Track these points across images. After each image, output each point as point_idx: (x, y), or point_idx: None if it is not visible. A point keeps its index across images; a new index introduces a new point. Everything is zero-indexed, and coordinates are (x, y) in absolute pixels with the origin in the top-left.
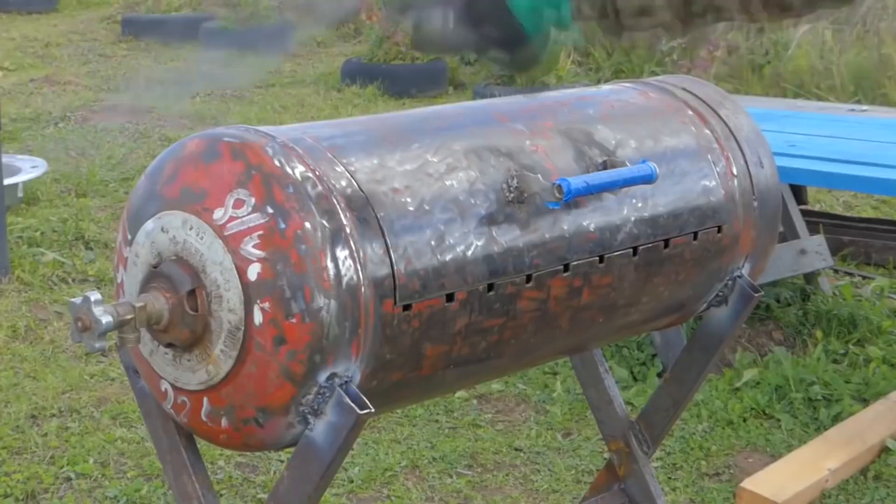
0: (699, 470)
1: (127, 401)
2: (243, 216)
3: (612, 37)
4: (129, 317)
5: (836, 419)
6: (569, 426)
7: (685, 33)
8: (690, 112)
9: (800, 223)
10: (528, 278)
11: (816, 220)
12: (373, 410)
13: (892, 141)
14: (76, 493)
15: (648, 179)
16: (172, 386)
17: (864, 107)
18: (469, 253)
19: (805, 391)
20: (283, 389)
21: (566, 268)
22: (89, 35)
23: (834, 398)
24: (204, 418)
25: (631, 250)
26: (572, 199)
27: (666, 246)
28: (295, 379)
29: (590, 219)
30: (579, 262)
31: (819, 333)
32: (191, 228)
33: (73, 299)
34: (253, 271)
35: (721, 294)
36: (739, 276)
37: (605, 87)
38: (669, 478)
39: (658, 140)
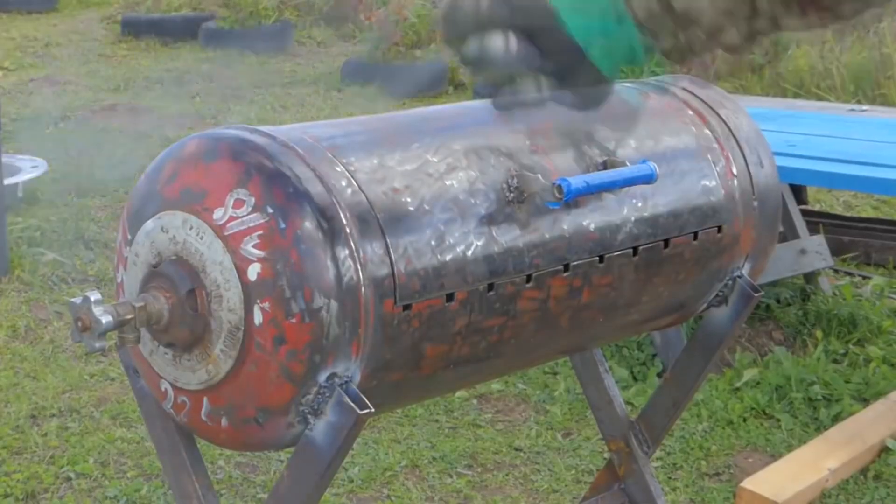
0: (699, 470)
1: (127, 400)
2: (243, 216)
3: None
4: (129, 317)
5: (836, 419)
6: (569, 426)
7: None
8: (690, 112)
9: (800, 223)
10: (528, 278)
11: (816, 220)
12: (373, 410)
13: (892, 141)
14: (76, 492)
15: (648, 179)
16: (172, 386)
17: (864, 107)
18: (469, 253)
19: (805, 391)
20: (283, 389)
21: (566, 268)
22: (89, 35)
23: (834, 398)
24: (204, 418)
25: (631, 250)
26: (572, 199)
27: (666, 246)
28: (295, 379)
29: (590, 219)
30: (579, 261)
31: (819, 333)
32: (191, 228)
33: (73, 299)
34: (253, 271)
35: (721, 294)
36: (739, 276)
37: None
38: (669, 478)
39: (658, 140)
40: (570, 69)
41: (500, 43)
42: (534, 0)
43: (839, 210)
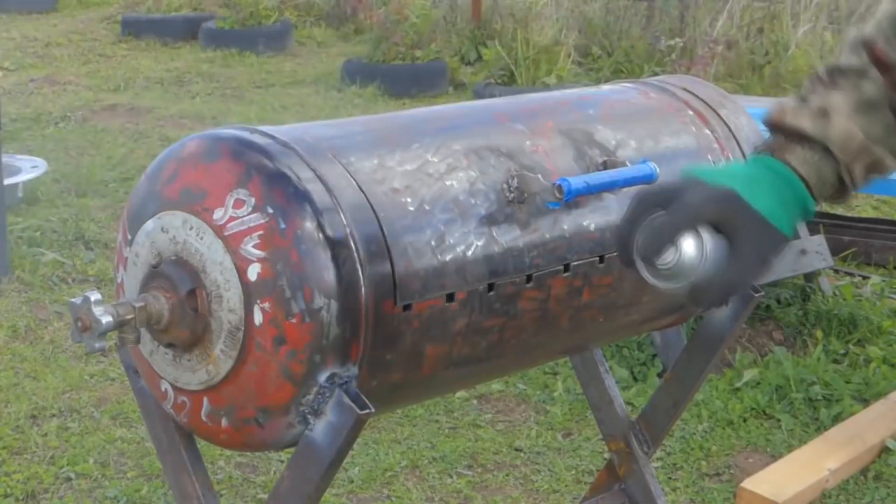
0: (699, 470)
1: (127, 401)
2: (243, 216)
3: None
4: (129, 317)
5: (837, 419)
6: (569, 426)
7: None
8: (691, 112)
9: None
10: (529, 278)
11: (816, 220)
12: (373, 410)
13: None
14: (76, 493)
15: (649, 179)
16: (172, 386)
17: None
18: (469, 253)
19: (805, 391)
20: (284, 389)
21: (566, 268)
22: (89, 35)
23: (834, 398)
24: (204, 418)
25: None
26: (572, 199)
27: None
28: (295, 379)
29: (590, 219)
30: (579, 262)
31: (819, 333)
32: (191, 228)
33: (73, 299)
34: (253, 271)
35: None
36: None
37: (606, 88)
38: (670, 478)
39: (658, 140)
40: (763, 243)
41: (694, 246)
42: (722, 192)
43: (839, 210)
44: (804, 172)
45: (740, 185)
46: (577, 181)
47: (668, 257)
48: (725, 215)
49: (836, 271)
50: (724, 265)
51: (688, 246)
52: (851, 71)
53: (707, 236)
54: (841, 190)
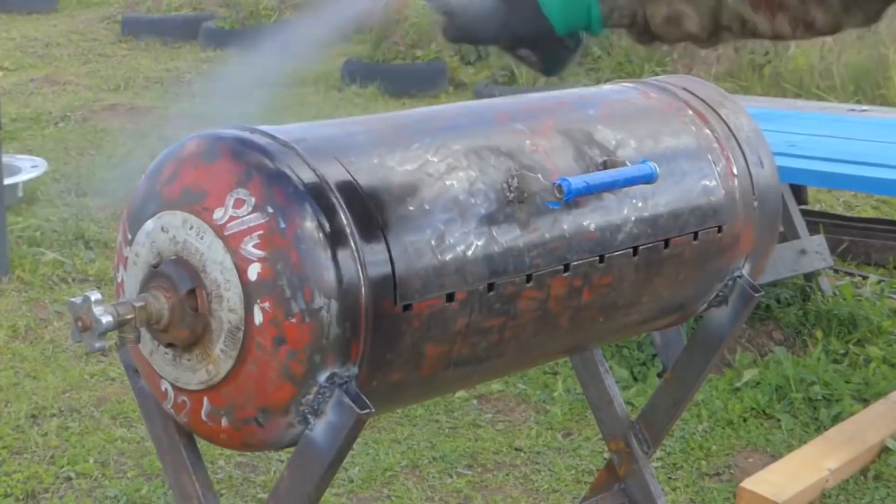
0: (699, 470)
1: (127, 400)
2: (243, 216)
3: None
4: (129, 316)
5: (837, 419)
6: (569, 426)
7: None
8: (691, 112)
9: (800, 223)
10: (529, 278)
11: (817, 220)
12: (373, 410)
13: (892, 141)
14: (76, 492)
15: (649, 179)
16: (172, 385)
17: (864, 107)
18: (469, 253)
19: (805, 391)
20: (283, 389)
21: (566, 268)
22: (89, 35)
23: (834, 398)
24: (204, 418)
25: (631, 250)
26: (572, 199)
27: (666, 246)
28: (295, 379)
29: (590, 219)
30: (579, 261)
31: (819, 333)
32: (191, 228)
33: (73, 299)
34: (253, 271)
35: (721, 294)
36: (740, 276)
37: (606, 87)
38: (669, 478)
39: (658, 140)
40: (526, 22)
41: None
42: None
43: (839, 210)
44: None
45: None
46: (577, 181)
47: None
48: None
49: (836, 271)
50: (478, 9)
51: None
52: None
53: None
54: (637, 28)
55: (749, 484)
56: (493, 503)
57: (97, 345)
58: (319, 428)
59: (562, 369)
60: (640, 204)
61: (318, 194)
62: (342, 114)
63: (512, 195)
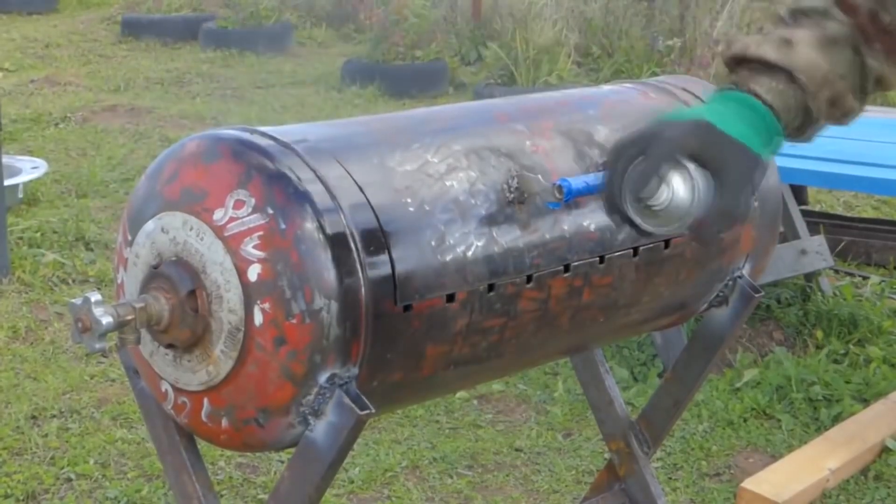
0: (700, 470)
1: (127, 401)
2: (243, 217)
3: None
4: (129, 317)
5: (837, 419)
6: (569, 426)
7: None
8: None
9: (800, 223)
10: (529, 278)
11: (817, 221)
12: (373, 411)
13: (892, 141)
14: (77, 493)
15: None
16: (173, 386)
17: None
18: (469, 253)
19: (805, 391)
20: (284, 390)
21: (566, 268)
22: (89, 35)
23: (834, 398)
24: (204, 419)
25: (631, 250)
26: (572, 200)
27: (666, 246)
28: (295, 379)
29: (590, 219)
30: (580, 262)
31: (819, 333)
32: (191, 229)
33: (73, 300)
34: (253, 272)
35: (721, 294)
36: (740, 277)
37: (606, 88)
38: (670, 478)
39: None
40: (745, 166)
41: (683, 182)
42: (697, 123)
43: (839, 210)
44: (770, 99)
45: (711, 116)
46: (577, 181)
47: (661, 196)
48: (704, 144)
49: (837, 271)
50: (716, 194)
51: (677, 182)
52: (814, 11)
53: (694, 169)
54: (806, 122)
55: (749, 484)
56: (494, 503)
57: (97, 346)
58: (320, 428)
59: (562, 370)
60: None
61: (318, 195)
62: (342, 114)
63: (512, 196)
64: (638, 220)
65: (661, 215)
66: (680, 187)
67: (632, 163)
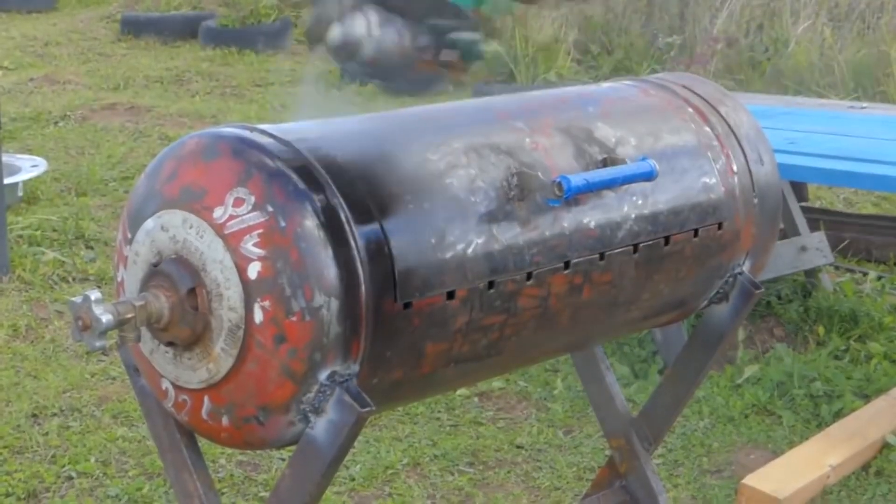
0: (700, 466)
1: (128, 399)
2: (243, 214)
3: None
4: (129, 315)
5: (838, 415)
6: (570, 423)
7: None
8: (690, 110)
9: (800, 220)
10: (529, 276)
11: (817, 217)
12: (373, 408)
13: (892, 138)
14: (78, 491)
15: (649, 177)
16: (173, 384)
17: (864, 104)
18: (469, 251)
19: (806, 387)
20: (284, 388)
21: (567, 265)
22: (89, 34)
23: (835, 394)
24: (205, 417)
25: (631, 247)
26: (572, 197)
27: (666, 243)
28: (295, 377)
29: (590, 216)
30: (580, 259)
31: (820, 330)
32: (191, 227)
33: (73, 298)
34: (253, 269)
35: (722, 291)
36: (740, 273)
37: (605, 85)
38: (671, 474)
39: (658, 137)
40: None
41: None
42: None
43: (840, 207)
44: None
45: None
46: (576, 178)
47: (335, 35)
48: None
49: (837, 268)
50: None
51: (356, 22)
52: None
53: (371, 12)
54: None
55: (750, 480)
56: (495, 501)
57: (97, 344)
58: (320, 426)
59: (562, 366)
60: (640, 201)
61: (318, 193)
62: (342, 113)
63: (512, 193)
64: (330, 55)
65: (340, 51)
66: (357, 26)
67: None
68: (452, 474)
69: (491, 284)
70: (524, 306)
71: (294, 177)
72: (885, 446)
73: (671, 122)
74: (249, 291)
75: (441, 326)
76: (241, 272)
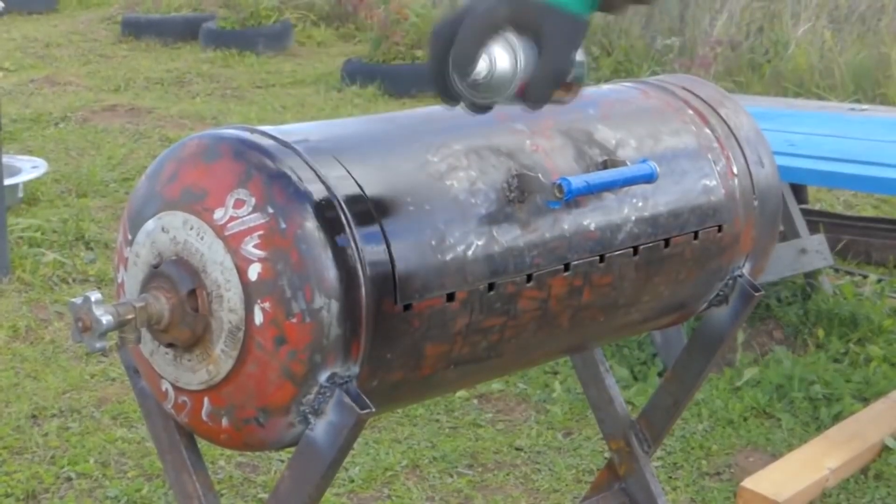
0: (700, 469)
1: (127, 401)
2: (244, 216)
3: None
4: (129, 317)
5: (837, 418)
6: (569, 425)
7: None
8: (691, 111)
9: (800, 222)
10: (529, 278)
11: (817, 219)
12: (373, 410)
13: (892, 140)
14: (77, 492)
15: (649, 179)
16: (173, 386)
17: (864, 106)
18: (469, 252)
19: (806, 390)
20: (284, 389)
21: (567, 267)
22: (89, 35)
23: (834, 397)
24: (204, 418)
25: (631, 249)
26: (573, 199)
27: (666, 245)
28: (295, 379)
29: (590, 218)
30: (580, 261)
31: (820, 332)
32: (191, 228)
33: (73, 299)
34: (253, 271)
35: (721, 293)
36: (740, 276)
37: (606, 87)
38: (670, 477)
39: (658, 139)
40: (564, 28)
41: (506, 54)
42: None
43: (839, 209)
44: None
45: None
46: (577, 180)
47: (481, 68)
48: (520, 12)
49: (836, 270)
50: (540, 60)
51: (499, 53)
52: None
53: (514, 39)
54: None
55: (749, 483)
56: (494, 503)
57: (97, 345)
58: (320, 428)
59: (562, 369)
60: (640, 203)
61: (318, 194)
62: (342, 114)
63: (512, 195)
64: (468, 97)
65: (488, 87)
66: (502, 57)
67: (452, 43)
68: (451, 476)
69: (491, 286)
70: (524, 308)
71: (294, 178)
72: (885, 449)
73: (671, 124)
74: (250, 293)
75: (441, 328)
76: (242, 274)
